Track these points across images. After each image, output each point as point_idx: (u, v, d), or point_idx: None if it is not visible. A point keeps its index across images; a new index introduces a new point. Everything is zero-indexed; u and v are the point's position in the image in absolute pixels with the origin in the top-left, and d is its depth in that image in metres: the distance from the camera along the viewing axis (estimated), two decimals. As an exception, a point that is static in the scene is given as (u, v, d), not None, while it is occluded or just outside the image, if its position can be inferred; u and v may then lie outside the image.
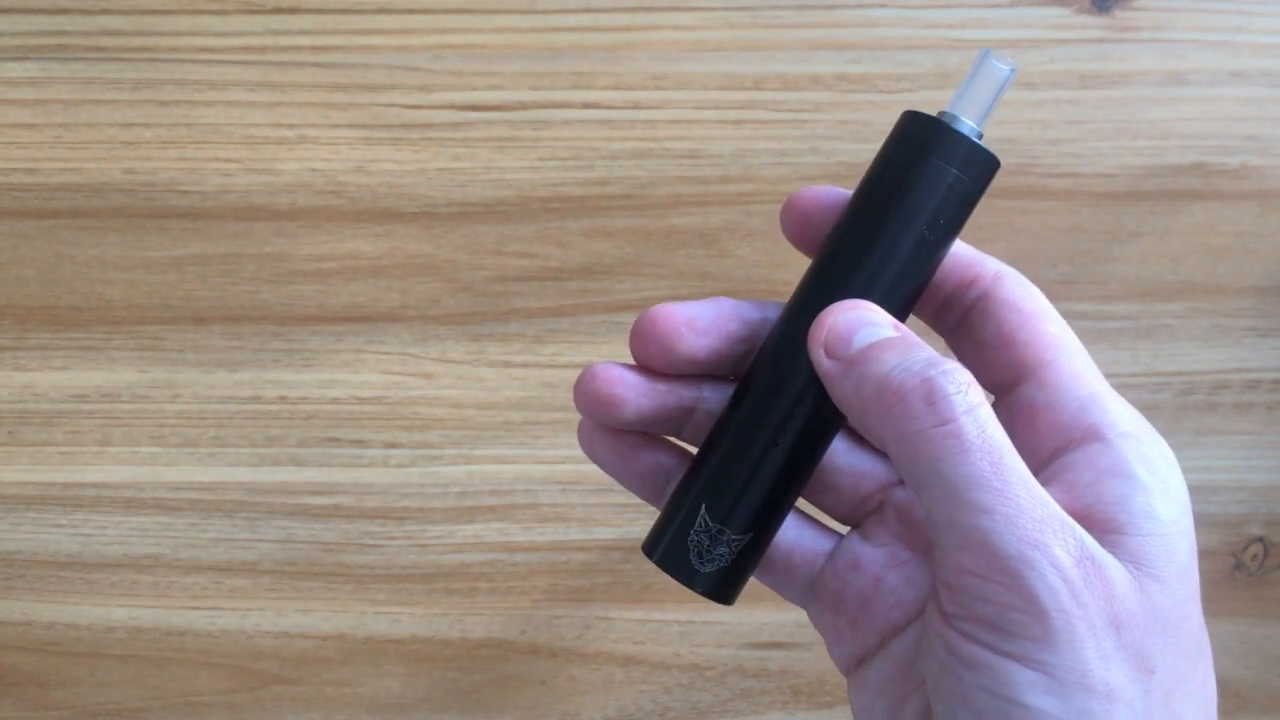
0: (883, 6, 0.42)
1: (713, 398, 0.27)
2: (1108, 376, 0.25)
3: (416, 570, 0.44)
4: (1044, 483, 0.23)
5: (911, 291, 0.25)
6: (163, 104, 0.42)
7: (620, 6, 0.42)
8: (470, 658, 0.45)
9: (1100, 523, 0.22)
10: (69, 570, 0.44)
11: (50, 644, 0.44)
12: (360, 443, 0.44)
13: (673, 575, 0.26)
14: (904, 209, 0.24)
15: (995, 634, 0.21)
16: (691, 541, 0.26)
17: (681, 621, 0.45)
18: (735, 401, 0.26)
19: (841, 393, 0.24)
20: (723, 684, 0.45)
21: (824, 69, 0.42)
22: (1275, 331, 0.44)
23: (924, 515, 0.25)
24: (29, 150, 0.42)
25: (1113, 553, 0.22)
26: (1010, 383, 0.25)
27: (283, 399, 0.43)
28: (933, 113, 0.25)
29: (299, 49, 0.42)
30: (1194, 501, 0.22)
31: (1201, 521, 0.44)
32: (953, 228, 0.25)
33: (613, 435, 0.27)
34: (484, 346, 0.43)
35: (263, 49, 0.42)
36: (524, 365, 0.43)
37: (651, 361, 0.26)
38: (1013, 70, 0.25)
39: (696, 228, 0.43)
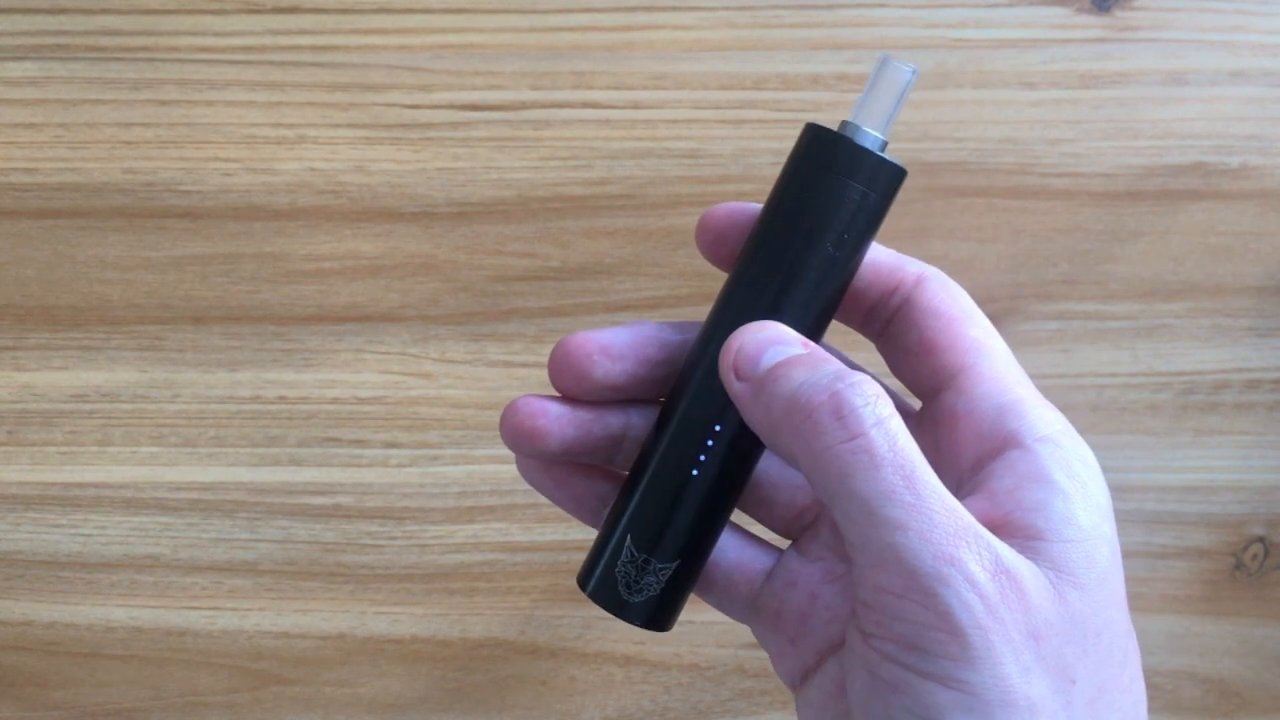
0: (883, 6, 0.42)
1: (641, 424, 0.26)
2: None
3: (416, 570, 0.44)
4: (966, 491, 0.23)
5: (823, 309, 0.25)
6: (163, 104, 0.42)
7: (620, 6, 0.42)
8: (470, 658, 0.45)
9: (1020, 529, 0.22)
10: (69, 570, 0.44)
11: (50, 644, 0.44)
12: (360, 443, 0.44)
13: (604, 608, 0.26)
14: (808, 227, 0.24)
15: (914, 654, 0.21)
16: (619, 573, 0.25)
17: (681, 621, 0.44)
18: (656, 428, 0.26)
19: (753, 414, 0.24)
20: (723, 684, 0.45)
21: (824, 69, 0.42)
22: (1275, 331, 0.44)
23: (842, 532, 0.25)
24: (29, 150, 0.42)
25: (1033, 559, 0.22)
26: (934, 390, 0.25)
27: (282, 399, 0.43)
28: (857, 122, 0.25)
29: (299, 49, 0.42)
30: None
31: (1202, 521, 0.44)
32: (861, 242, 0.25)
33: (546, 463, 0.27)
34: (484, 346, 0.43)
35: (263, 49, 0.42)
36: (524, 365, 0.43)
37: (570, 390, 0.26)
38: (914, 73, 0.25)
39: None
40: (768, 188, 0.42)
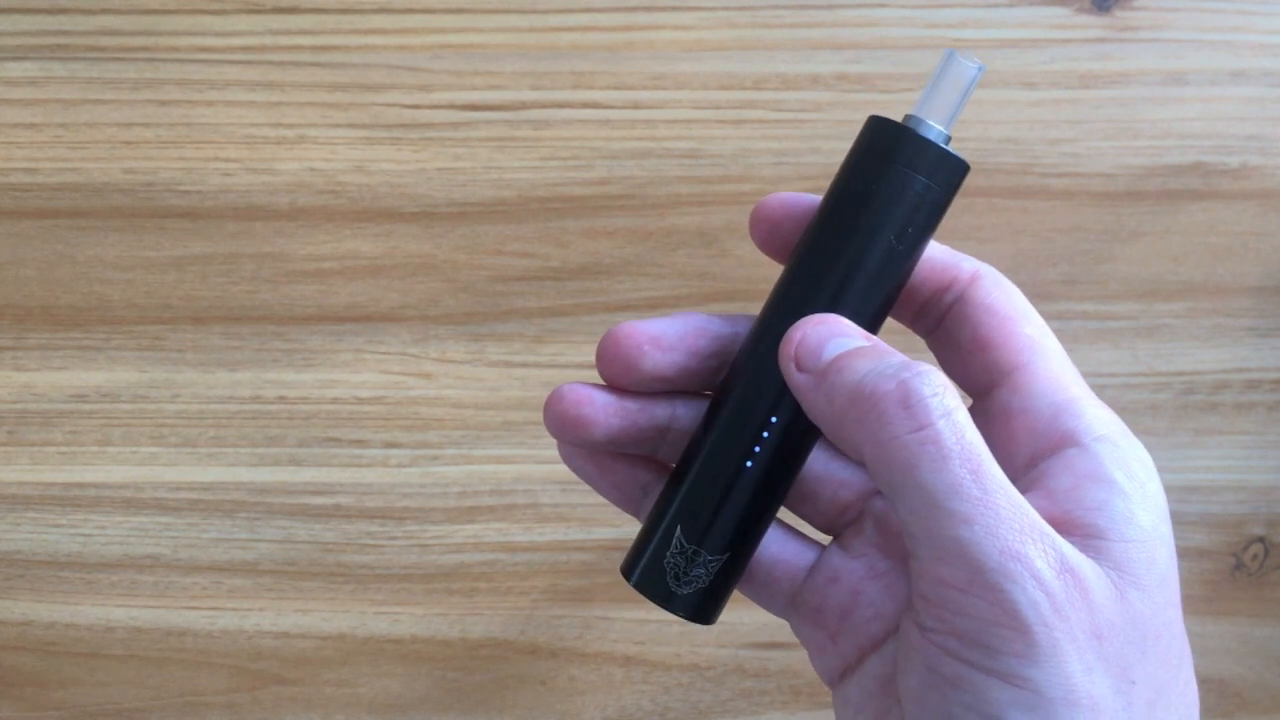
0: (883, 6, 0.42)
1: (687, 415, 0.26)
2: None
3: (416, 570, 0.44)
4: (1023, 490, 0.23)
5: (882, 302, 0.25)
6: (163, 104, 0.42)
7: (620, 6, 0.42)
8: (470, 658, 0.45)
9: (1081, 528, 0.22)
10: (69, 570, 0.44)
11: (50, 644, 0.44)
12: (360, 443, 0.44)
13: (650, 598, 0.26)
14: (871, 220, 0.24)
15: (976, 650, 0.21)
16: (667, 564, 0.25)
17: (681, 621, 0.45)
18: (707, 419, 0.26)
19: (814, 405, 0.23)
20: (723, 684, 0.45)
21: (824, 69, 0.42)
22: (1275, 331, 0.44)
23: (901, 525, 0.25)
24: (29, 150, 0.42)
25: (1095, 559, 0.21)
26: (987, 387, 0.25)
27: (282, 399, 0.43)
28: (900, 115, 0.25)
29: (299, 49, 0.42)
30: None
31: (1202, 521, 0.44)
32: (922, 236, 0.25)
33: (589, 450, 0.27)
34: (484, 346, 0.43)
35: (263, 49, 0.42)
36: (524, 365, 0.43)
37: (617, 380, 0.26)
38: (980, 69, 0.25)
39: (696, 228, 0.43)
40: (768, 187, 0.43)
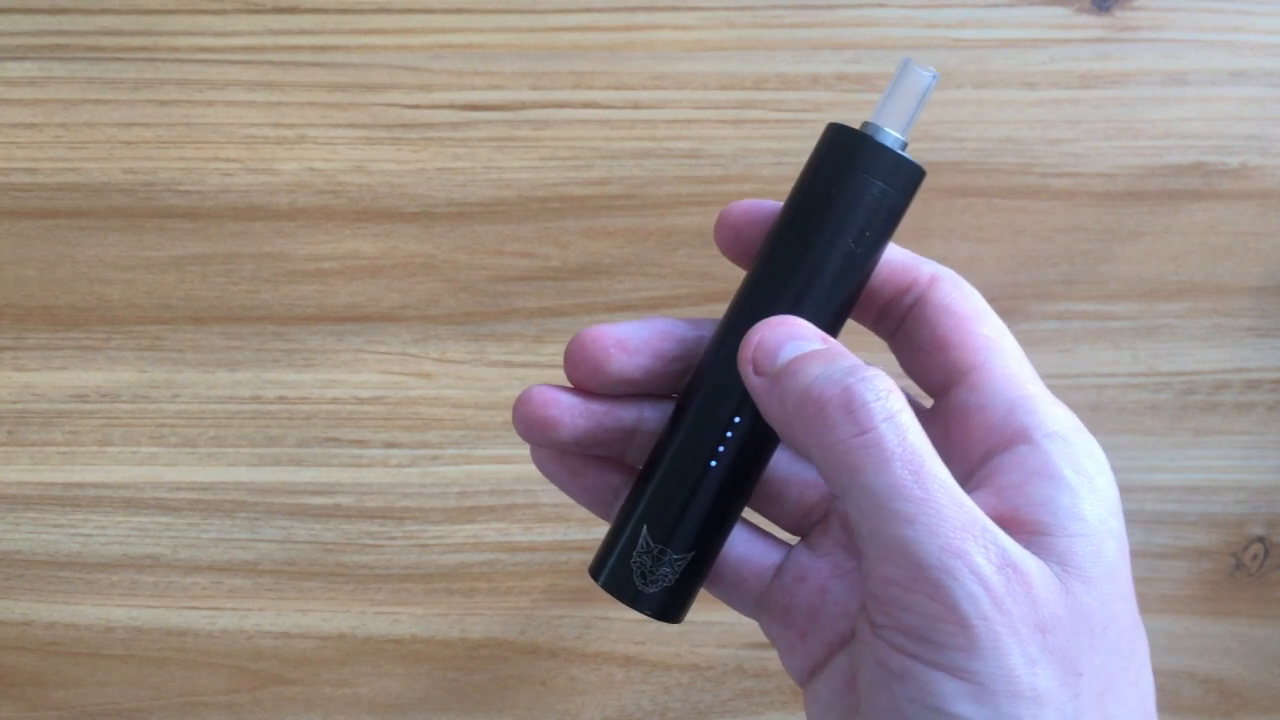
0: (883, 6, 0.42)
1: (653, 418, 0.27)
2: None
3: (416, 570, 0.44)
4: (974, 486, 0.23)
5: (842, 305, 0.25)
6: (163, 104, 0.42)
7: (620, 6, 0.42)
8: (470, 658, 0.45)
9: (1027, 524, 0.22)
10: (69, 570, 0.44)
11: (50, 644, 0.44)
12: (360, 443, 0.44)
13: (617, 598, 0.26)
14: (830, 224, 0.25)
15: (921, 644, 0.21)
16: (634, 563, 0.26)
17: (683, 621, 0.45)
18: (672, 421, 0.26)
19: (769, 408, 0.24)
20: (723, 684, 0.45)
21: (824, 69, 0.42)
22: (1275, 331, 0.44)
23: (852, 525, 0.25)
24: (29, 150, 0.42)
25: (1039, 554, 0.22)
26: (945, 386, 0.25)
27: (282, 399, 0.43)
28: (859, 122, 0.25)
29: (299, 49, 0.42)
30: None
31: (1202, 521, 0.44)
32: (880, 240, 0.25)
33: (560, 454, 0.27)
34: (484, 346, 0.43)
35: (263, 49, 0.42)
36: (524, 365, 0.43)
37: (584, 383, 0.26)
38: (935, 77, 0.25)
39: (696, 228, 0.43)
40: (768, 188, 0.43)
